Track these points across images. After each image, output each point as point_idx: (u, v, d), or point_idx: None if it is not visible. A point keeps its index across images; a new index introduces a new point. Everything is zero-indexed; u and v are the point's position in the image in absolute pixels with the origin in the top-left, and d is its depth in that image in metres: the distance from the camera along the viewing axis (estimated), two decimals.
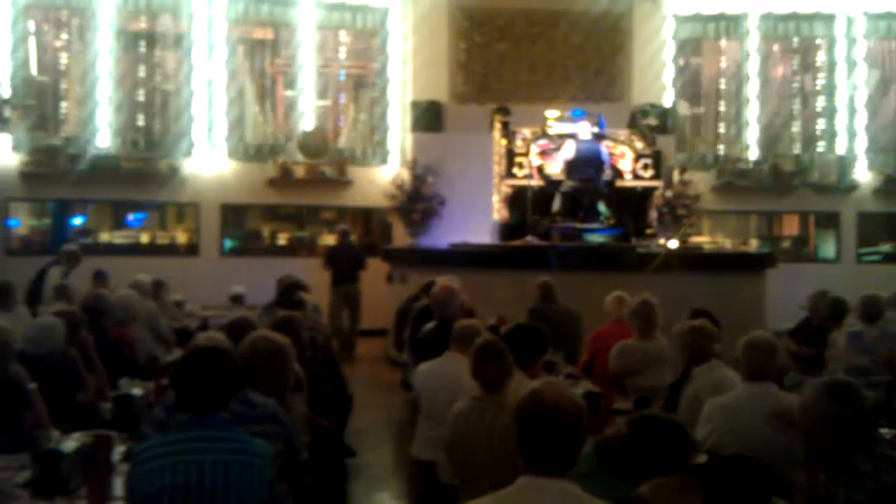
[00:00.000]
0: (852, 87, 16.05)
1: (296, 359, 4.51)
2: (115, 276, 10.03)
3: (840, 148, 16.07)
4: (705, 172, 15.55)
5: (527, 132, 12.23)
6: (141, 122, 14.77)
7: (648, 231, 12.04)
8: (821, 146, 16.30)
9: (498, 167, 12.18)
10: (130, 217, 14.83)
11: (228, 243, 15.06)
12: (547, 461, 2.61)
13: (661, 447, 3.19)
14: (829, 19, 16.14)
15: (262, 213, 15.46)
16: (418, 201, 14.15)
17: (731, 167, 15.85)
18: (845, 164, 15.89)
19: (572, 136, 11.96)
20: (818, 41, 16.44)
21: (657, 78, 15.81)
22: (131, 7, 14.42)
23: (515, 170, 11.92)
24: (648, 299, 6.64)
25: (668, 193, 13.86)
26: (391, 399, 9.34)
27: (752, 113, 16.04)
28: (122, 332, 6.97)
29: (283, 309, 6.35)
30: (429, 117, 14.96)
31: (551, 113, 12.32)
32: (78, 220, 14.52)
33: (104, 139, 14.15)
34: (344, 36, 15.92)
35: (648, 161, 12.13)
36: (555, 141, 12.13)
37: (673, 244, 11.82)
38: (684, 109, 16.34)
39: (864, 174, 15.97)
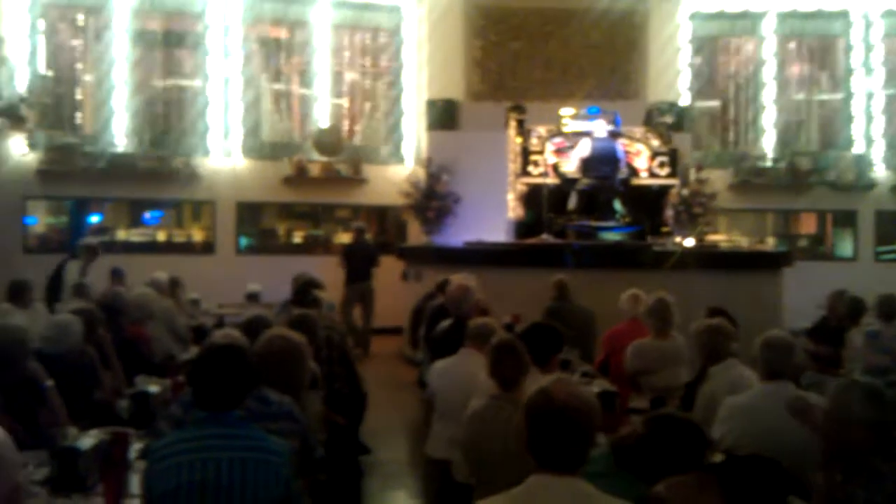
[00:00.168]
0: (869, 84, 15.94)
1: (312, 357, 4.52)
2: (132, 274, 10.08)
3: (857, 146, 15.98)
4: (722, 170, 15.48)
5: (542, 130, 12.20)
6: (157, 120, 14.84)
7: (664, 229, 11.99)
8: (838, 144, 16.20)
9: (513, 165, 12.17)
10: (147, 215, 14.91)
11: (244, 241, 15.11)
12: (557, 459, 2.60)
13: (678, 446, 3.18)
14: (845, 17, 16.04)
15: (277, 211, 15.51)
16: (433, 199, 14.15)
17: (748, 165, 15.78)
18: (862, 162, 15.81)
19: (588, 133, 11.93)
20: (835, 39, 16.34)
21: (673, 75, 15.76)
22: (147, 6, 14.49)
23: (531, 168, 11.90)
24: (664, 298, 6.61)
25: (685, 191, 13.82)
26: (406, 397, 9.35)
27: (769, 111, 15.97)
28: (139, 329, 7.00)
29: (299, 307, 6.36)
30: (444, 115, 14.97)
31: (566, 111, 12.28)
32: (95, 219, 14.59)
33: (121, 138, 14.23)
34: (359, 35, 15.93)
35: (664, 159, 12.08)
36: (570, 139, 12.09)
37: (689, 242, 11.77)
38: (702, 106, 16.27)
39: (881, 172, 15.87)
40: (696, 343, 5.39)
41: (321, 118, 15.14)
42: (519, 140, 12.07)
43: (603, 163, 11.77)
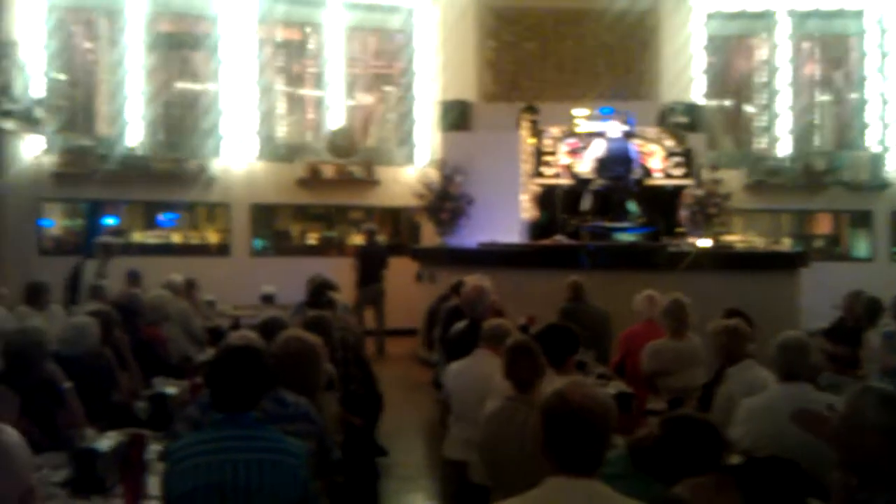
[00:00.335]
0: (884, 84, 15.86)
1: (327, 358, 4.52)
2: (148, 276, 10.10)
3: (872, 145, 15.90)
4: (736, 171, 15.42)
5: (555, 131, 12.19)
6: (172, 123, 14.89)
7: (679, 230, 11.97)
8: (853, 144, 16.12)
9: (526, 166, 12.17)
10: (162, 217, 14.95)
11: (258, 243, 15.16)
12: (574, 461, 2.59)
13: (695, 447, 3.17)
14: (858, 15, 15.97)
15: (291, 213, 15.55)
16: (447, 200, 14.15)
17: (763, 165, 15.72)
18: (877, 161, 15.72)
19: (601, 134, 11.93)
20: (848, 37, 16.27)
21: (687, 75, 15.71)
22: (161, 8, 14.55)
23: (544, 169, 11.91)
24: (680, 299, 6.59)
25: (699, 192, 13.76)
26: (422, 398, 9.34)
27: (783, 110, 15.90)
28: (156, 331, 7.03)
29: (314, 309, 6.37)
30: (457, 116, 14.96)
31: (580, 111, 12.28)
32: (110, 221, 14.65)
33: (135, 140, 14.29)
34: (372, 36, 15.95)
35: (679, 159, 12.07)
36: (583, 139, 12.09)
37: (704, 243, 11.73)
38: (716, 106, 16.22)
39: None
40: (713, 344, 5.37)
41: (335, 120, 15.17)
42: (532, 141, 12.07)
43: (616, 163, 11.77)
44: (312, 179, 14.82)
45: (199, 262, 13.48)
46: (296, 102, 15.53)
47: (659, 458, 3.22)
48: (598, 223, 11.63)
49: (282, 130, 15.29)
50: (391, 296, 13.22)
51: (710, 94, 16.05)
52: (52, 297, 8.44)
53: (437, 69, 15.55)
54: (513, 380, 4.26)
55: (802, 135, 16.10)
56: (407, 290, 12.97)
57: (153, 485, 3.68)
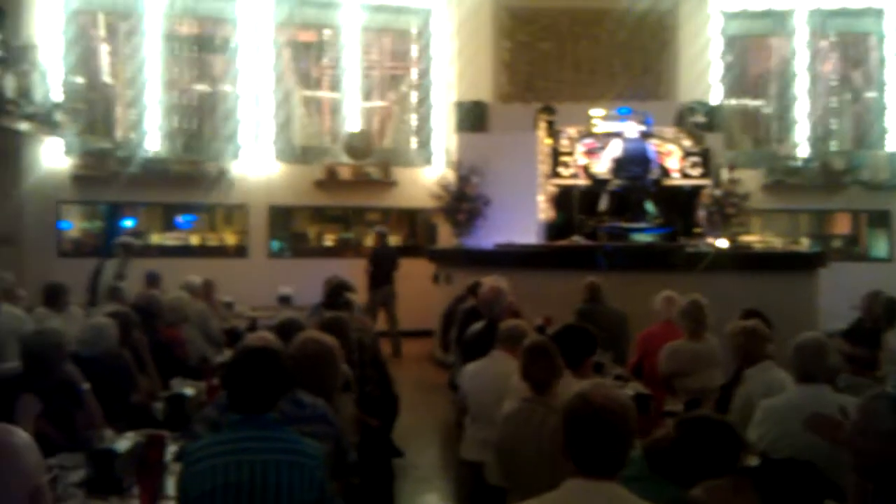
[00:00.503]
0: None
1: (344, 360, 4.53)
2: (166, 277, 10.13)
3: (891, 145, 15.78)
4: (754, 170, 15.34)
5: (572, 131, 12.16)
6: (190, 125, 14.97)
7: (697, 230, 11.91)
8: (871, 143, 16.01)
9: (543, 167, 12.14)
10: (180, 219, 15.03)
11: (276, 245, 15.21)
12: (595, 463, 2.59)
13: (712, 449, 3.15)
14: (877, 14, 15.86)
15: (308, 214, 15.59)
16: (463, 202, 14.13)
17: (781, 165, 15.63)
18: None
19: (618, 134, 11.88)
20: (867, 37, 16.16)
21: (704, 75, 15.67)
22: (179, 11, 14.63)
23: (561, 169, 11.88)
24: (698, 299, 6.57)
25: (717, 192, 13.69)
26: (438, 400, 9.34)
27: (802, 110, 15.82)
28: (174, 332, 7.05)
29: (331, 310, 6.38)
30: (473, 117, 14.95)
31: (597, 111, 12.25)
32: (129, 223, 14.73)
33: (153, 142, 14.39)
34: (388, 37, 15.98)
35: (696, 159, 12.01)
36: (601, 140, 12.05)
37: (722, 243, 11.67)
38: (734, 106, 16.14)
39: None
40: (731, 345, 5.35)
41: (351, 121, 15.20)
42: (549, 141, 12.05)
43: (634, 163, 11.72)
44: (329, 181, 14.86)
45: (217, 264, 13.56)
46: (313, 105, 15.58)
47: (675, 460, 3.20)
48: (616, 224, 11.59)
49: (299, 132, 15.33)
50: (407, 297, 13.23)
51: (728, 93, 15.98)
52: (71, 299, 8.48)
53: (453, 70, 15.55)
54: (530, 381, 4.26)
55: (821, 134, 16.00)
56: (423, 291, 12.98)
57: (170, 485, 3.69)
